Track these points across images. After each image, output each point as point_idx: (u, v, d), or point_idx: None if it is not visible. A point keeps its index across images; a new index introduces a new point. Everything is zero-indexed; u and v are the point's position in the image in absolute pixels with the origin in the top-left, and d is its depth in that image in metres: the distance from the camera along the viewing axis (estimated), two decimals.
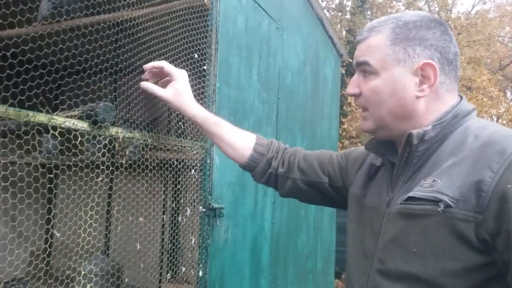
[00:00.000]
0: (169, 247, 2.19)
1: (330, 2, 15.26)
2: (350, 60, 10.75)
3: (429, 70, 0.98)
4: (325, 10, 14.80)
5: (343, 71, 10.61)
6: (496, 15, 16.19)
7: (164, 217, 2.19)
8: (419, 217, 0.91)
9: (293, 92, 3.66)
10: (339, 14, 14.31)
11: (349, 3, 14.44)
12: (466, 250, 0.85)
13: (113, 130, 1.80)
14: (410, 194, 0.94)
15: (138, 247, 2.03)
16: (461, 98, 1.04)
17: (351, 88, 1.06)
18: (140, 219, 2.03)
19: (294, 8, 3.66)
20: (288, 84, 3.52)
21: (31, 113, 1.48)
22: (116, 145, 1.83)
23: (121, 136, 1.84)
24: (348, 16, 13.88)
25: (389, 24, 1.01)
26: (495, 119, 15.01)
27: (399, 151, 1.04)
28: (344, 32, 13.32)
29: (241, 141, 1.48)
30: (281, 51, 3.36)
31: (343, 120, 11.31)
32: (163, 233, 2.64)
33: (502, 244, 0.82)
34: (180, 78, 1.54)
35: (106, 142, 2.08)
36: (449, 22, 14.53)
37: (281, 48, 3.37)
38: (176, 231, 2.33)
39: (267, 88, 3.13)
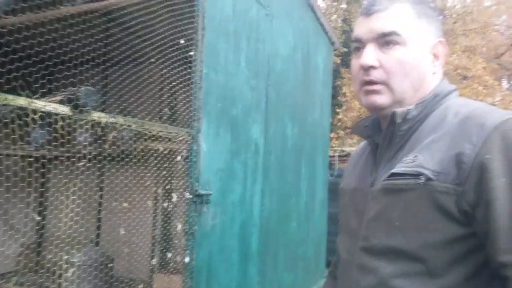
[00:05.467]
0: (157, 234, 2.19)
1: None
2: (345, 49, 10.70)
3: (442, 48, 1.01)
4: (321, 0, 14.72)
5: (338, 61, 10.58)
6: (492, 3, 16.12)
7: (150, 203, 2.18)
8: (402, 191, 0.92)
9: (283, 79, 3.64)
10: (335, 3, 14.24)
11: None
12: (447, 222, 0.86)
13: (95, 115, 1.79)
14: (393, 170, 0.95)
15: (122, 232, 2.02)
16: (442, 79, 1.05)
17: (369, 60, 0.98)
18: (125, 204, 2.02)
19: None
20: (278, 71, 3.51)
21: (10, 96, 1.47)
22: (99, 130, 1.82)
23: (103, 121, 1.83)
24: (344, 6, 13.79)
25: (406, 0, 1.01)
26: None
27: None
28: (340, 22, 13.25)
29: None
30: (270, 37, 3.33)
31: (338, 110, 11.29)
32: (154, 219, 2.64)
33: (481, 215, 0.84)
34: None
35: (92, 130, 2.06)
36: (445, 11, 14.47)
37: (270, 34, 3.34)
38: (163, 218, 2.33)
39: (256, 74, 3.12)
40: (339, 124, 11.38)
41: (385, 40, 0.98)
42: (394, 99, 1.00)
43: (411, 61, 0.98)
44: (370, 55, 0.98)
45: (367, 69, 0.99)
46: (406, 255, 0.90)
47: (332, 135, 10.04)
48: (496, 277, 0.85)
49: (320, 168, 4.52)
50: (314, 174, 4.34)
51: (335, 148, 8.17)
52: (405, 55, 0.98)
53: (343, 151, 7.61)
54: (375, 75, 0.99)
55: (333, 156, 7.30)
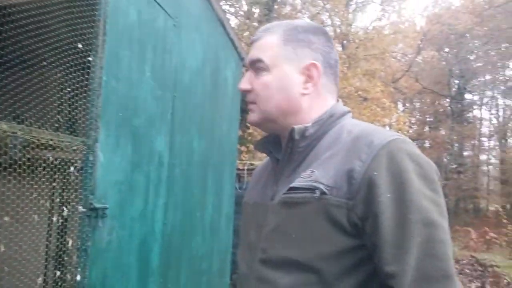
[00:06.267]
0: (44, 250, 2.01)
1: (239, 9, 15.50)
2: None
3: (314, 70, 1.08)
4: (234, 16, 15.00)
5: None
6: (391, 32, 17.60)
7: (36, 218, 2.01)
8: (299, 205, 0.97)
9: (191, 92, 3.60)
10: (247, 21, 14.58)
11: (257, 11, 14.77)
12: (339, 234, 0.92)
13: None
14: (291, 185, 1.00)
15: (2, 249, 1.83)
16: (338, 101, 1.15)
17: (243, 84, 1.12)
18: (6, 218, 1.84)
19: (193, 7, 3.61)
20: (185, 83, 3.46)
21: None
22: None
23: None
24: (255, 24, 14.17)
25: (281, 27, 1.12)
26: (387, 128, 16.24)
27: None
28: (251, 39, 13.56)
29: None
30: (178, 49, 3.29)
31: (248, 124, 11.47)
32: (44, 234, 2.44)
33: (370, 227, 0.90)
34: None
35: None
36: (349, 36, 15.49)
37: (178, 45, 3.30)
38: (52, 233, 2.16)
39: (162, 85, 3.05)
40: (249, 138, 11.55)
41: (254, 67, 1.11)
42: (262, 117, 1.11)
43: (275, 85, 1.09)
44: (245, 80, 1.13)
45: (244, 92, 1.13)
46: (302, 266, 0.94)
47: (243, 148, 10.16)
48: (384, 287, 0.90)
49: (227, 182, 4.53)
50: (221, 188, 4.34)
51: (244, 161, 8.26)
52: (269, 79, 1.09)
53: (252, 164, 7.72)
54: (249, 97, 1.12)
55: (242, 169, 7.38)
